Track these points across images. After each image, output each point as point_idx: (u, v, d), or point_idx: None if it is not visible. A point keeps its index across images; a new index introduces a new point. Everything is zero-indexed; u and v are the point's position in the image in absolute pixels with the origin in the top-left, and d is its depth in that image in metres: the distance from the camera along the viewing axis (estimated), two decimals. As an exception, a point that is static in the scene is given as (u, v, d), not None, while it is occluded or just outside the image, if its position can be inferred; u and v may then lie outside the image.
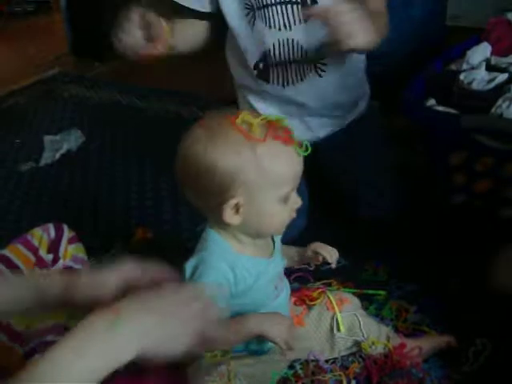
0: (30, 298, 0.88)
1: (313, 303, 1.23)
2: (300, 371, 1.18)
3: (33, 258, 1.19)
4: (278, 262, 1.11)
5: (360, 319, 1.20)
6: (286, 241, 1.16)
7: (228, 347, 1.06)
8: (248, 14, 1.42)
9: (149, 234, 1.68)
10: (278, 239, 1.12)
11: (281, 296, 1.12)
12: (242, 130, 0.93)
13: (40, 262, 1.19)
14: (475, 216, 1.54)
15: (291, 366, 1.19)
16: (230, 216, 0.96)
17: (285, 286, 1.15)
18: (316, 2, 1.35)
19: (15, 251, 1.19)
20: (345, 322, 1.19)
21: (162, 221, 1.79)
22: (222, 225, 1.00)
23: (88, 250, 1.38)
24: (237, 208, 0.96)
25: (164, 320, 0.75)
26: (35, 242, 1.22)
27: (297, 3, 1.36)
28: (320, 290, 1.27)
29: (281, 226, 1.03)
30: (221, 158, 0.92)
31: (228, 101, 1.67)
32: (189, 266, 1.00)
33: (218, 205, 0.96)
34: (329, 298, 1.23)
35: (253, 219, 0.98)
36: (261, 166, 0.93)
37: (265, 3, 1.37)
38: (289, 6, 1.37)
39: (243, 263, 1.01)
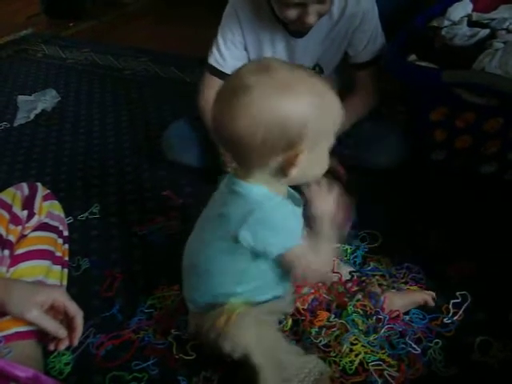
0: None
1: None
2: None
3: (7, 216, 1.16)
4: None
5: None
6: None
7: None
8: None
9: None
10: None
11: None
12: None
13: (14, 219, 1.17)
14: (455, 173, 1.54)
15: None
16: (293, 169, 0.92)
17: None
18: (322, 72, 1.59)
19: (-13, 211, 1.16)
20: None
21: (140, 180, 1.76)
22: (269, 176, 0.95)
23: (65, 210, 1.36)
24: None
25: None
26: (8, 200, 1.19)
27: None
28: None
29: (322, 173, 1.00)
30: (294, 109, 0.88)
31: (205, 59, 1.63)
32: (247, 233, 0.94)
33: (283, 159, 0.91)
34: None
35: (306, 169, 0.94)
36: (326, 115, 0.91)
37: None
38: None
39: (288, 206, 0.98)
